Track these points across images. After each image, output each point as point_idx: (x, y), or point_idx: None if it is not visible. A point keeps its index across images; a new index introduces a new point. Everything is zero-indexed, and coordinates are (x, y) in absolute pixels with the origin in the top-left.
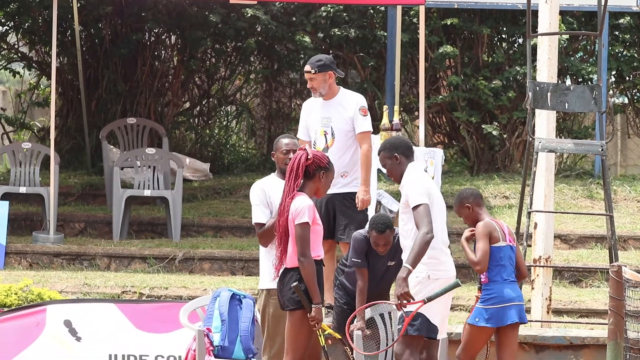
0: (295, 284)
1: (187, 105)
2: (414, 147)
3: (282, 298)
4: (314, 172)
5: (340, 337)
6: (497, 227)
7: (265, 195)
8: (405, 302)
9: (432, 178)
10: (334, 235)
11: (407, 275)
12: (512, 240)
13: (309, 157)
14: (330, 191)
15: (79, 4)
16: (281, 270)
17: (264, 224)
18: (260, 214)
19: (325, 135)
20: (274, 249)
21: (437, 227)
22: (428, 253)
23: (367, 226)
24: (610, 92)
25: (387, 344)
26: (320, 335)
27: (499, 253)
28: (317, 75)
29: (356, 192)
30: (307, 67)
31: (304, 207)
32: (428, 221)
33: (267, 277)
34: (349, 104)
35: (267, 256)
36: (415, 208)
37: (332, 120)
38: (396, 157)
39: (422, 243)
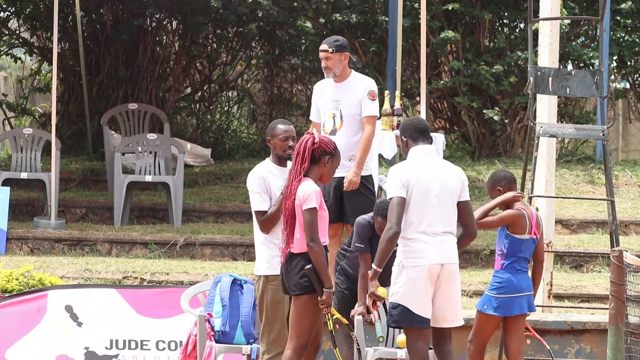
0: (309, 266)
1: (189, 90)
2: (425, 129)
3: (289, 282)
4: (319, 156)
5: (347, 322)
6: (526, 218)
7: (265, 182)
8: (371, 303)
9: None
10: (342, 218)
11: (374, 275)
12: (536, 232)
13: (315, 141)
14: (338, 174)
15: None
16: (287, 255)
17: (266, 212)
18: (262, 202)
19: (333, 117)
20: (272, 235)
21: (417, 217)
22: (403, 242)
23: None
24: (612, 77)
25: (388, 330)
26: (329, 320)
27: (521, 245)
28: (334, 54)
29: (363, 176)
30: (324, 47)
31: (311, 193)
32: (394, 215)
33: (264, 264)
34: (359, 87)
35: (264, 242)
36: (390, 199)
37: (342, 103)
38: (403, 139)
39: (384, 240)
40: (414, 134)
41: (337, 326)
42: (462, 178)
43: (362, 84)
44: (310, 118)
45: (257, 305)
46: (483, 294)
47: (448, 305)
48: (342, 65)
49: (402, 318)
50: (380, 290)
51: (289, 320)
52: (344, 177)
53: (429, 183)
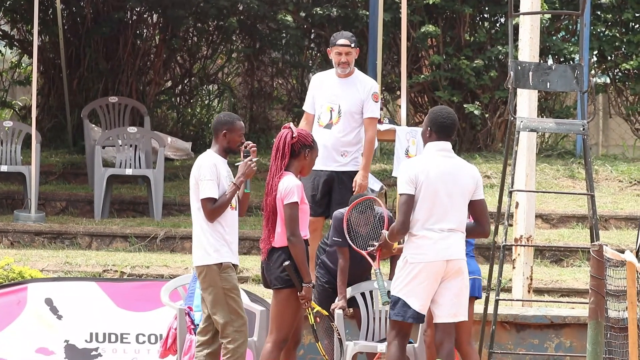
0: (287, 263)
1: (169, 84)
2: (451, 126)
3: (270, 277)
4: (299, 150)
5: (327, 314)
6: None
7: (217, 170)
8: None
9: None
10: (329, 213)
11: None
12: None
13: (293, 135)
14: (328, 168)
15: None
16: (268, 250)
17: (216, 199)
18: (214, 189)
19: (331, 111)
20: (217, 224)
21: (424, 214)
22: (408, 237)
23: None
24: (592, 71)
25: (368, 323)
26: (310, 314)
27: None
28: (353, 50)
29: (354, 171)
30: (345, 41)
31: (293, 187)
32: (401, 215)
33: (213, 253)
34: (363, 87)
35: (210, 232)
36: (399, 196)
37: (342, 98)
38: (427, 128)
39: (391, 230)
40: (438, 127)
41: (318, 319)
42: (475, 177)
43: (366, 84)
44: (304, 108)
45: (209, 296)
46: None
47: (454, 301)
48: (353, 61)
49: (399, 312)
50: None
51: (270, 313)
52: (333, 172)
53: (439, 180)
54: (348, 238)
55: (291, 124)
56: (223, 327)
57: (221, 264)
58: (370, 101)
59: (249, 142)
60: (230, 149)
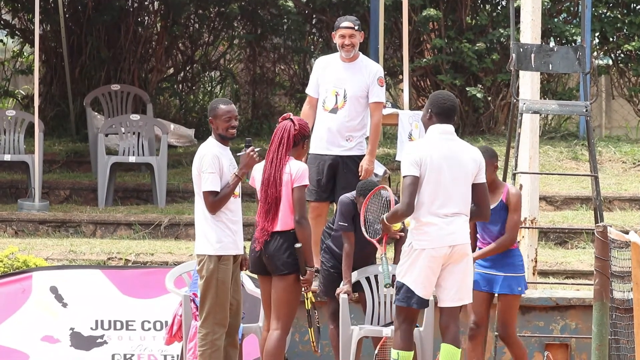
0: (299, 245)
1: (171, 71)
2: (452, 109)
3: (275, 262)
4: (298, 141)
5: (314, 300)
6: None
7: (219, 162)
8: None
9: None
10: (333, 197)
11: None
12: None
13: (295, 127)
14: (333, 153)
15: None
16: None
17: (218, 192)
18: (216, 182)
19: (336, 95)
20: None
21: (429, 197)
22: (413, 223)
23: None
24: (594, 53)
25: (373, 308)
26: (307, 299)
27: None
28: (357, 33)
29: (358, 156)
30: (349, 24)
31: (304, 170)
32: (406, 196)
33: (215, 244)
34: (369, 71)
35: (214, 222)
36: (403, 178)
37: (347, 83)
38: (428, 111)
39: (394, 214)
40: (438, 110)
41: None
42: (478, 159)
43: (371, 68)
44: (307, 91)
45: (203, 284)
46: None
47: (458, 285)
48: (358, 44)
49: (403, 297)
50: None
51: (275, 300)
52: (338, 156)
53: (443, 163)
54: (364, 230)
55: (291, 114)
56: (206, 316)
57: (221, 256)
58: (375, 85)
59: (249, 138)
60: (222, 135)
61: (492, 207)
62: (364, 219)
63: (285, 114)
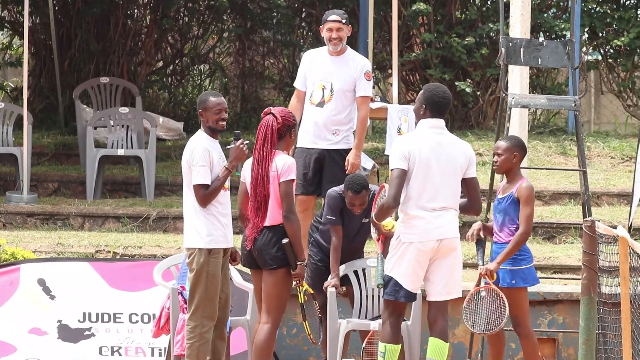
0: (286, 241)
1: (160, 64)
2: (445, 104)
3: (264, 256)
4: (284, 132)
5: (312, 292)
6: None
7: (210, 155)
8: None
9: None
10: (320, 191)
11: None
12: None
13: (278, 120)
14: (319, 146)
15: None
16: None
17: (209, 185)
18: (207, 175)
19: (323, 89)
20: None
21: (417, 191)
22: (402, 216)
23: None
24: (584, 48)
25: (361, 301)
26: (300, 293)
27: None
28: (345, 26)
29: (345, 149)
30: (336, 17)
31: (291, 164)
32: (393, 188)
33: (206, 237)
34: (356, 65)
35: (205, 215)
36: (391, 171)
37: (334, 76)
38: (421, 105)
39: (381, 208)
40: (432, 105)
41: (307, 298)
42: (468, 154)
43: (359, 62)
44: (295, 85)
45: (193, 277)
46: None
47: (446, 279)
48: (345, 38)
49: (391, 291)
50: (387, 222)
51: (264, 294)
52: (324, 150)
53: (431, 157)
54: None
55: (272, 109)
56: (195, 309)
57: (211, 249)
58: (362, 79)
59: (238, 131)
60: (212, 127)
61: (502, 196)
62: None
63: (266, 109)
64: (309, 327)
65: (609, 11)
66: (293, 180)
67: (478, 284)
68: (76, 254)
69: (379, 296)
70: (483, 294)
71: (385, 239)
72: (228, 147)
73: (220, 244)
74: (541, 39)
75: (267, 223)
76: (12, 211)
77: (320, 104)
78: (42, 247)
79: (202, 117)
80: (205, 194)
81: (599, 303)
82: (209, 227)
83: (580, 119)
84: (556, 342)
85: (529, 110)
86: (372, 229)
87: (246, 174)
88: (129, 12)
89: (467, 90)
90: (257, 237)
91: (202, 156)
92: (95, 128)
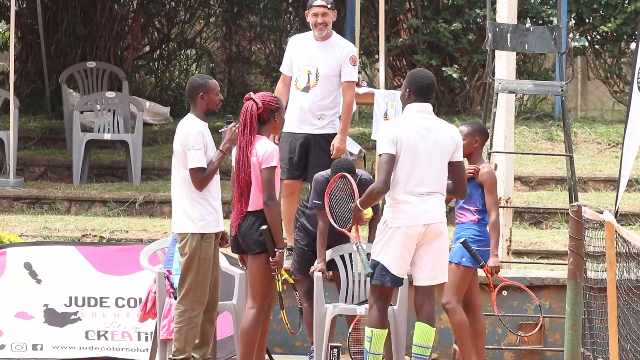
0: (264, 227)
1: (147, 49)
2: (429, 87)
3: (247, 241)
4: (268, 117)
5: (293, 281)
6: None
7: (204, 138)
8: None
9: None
10: (306, 175)
11: (357, 208)
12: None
13: (258, 105)
14: (305, 131)
15: None
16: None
17: (204, 169)
18: (203, 158)
19: (308, 74)
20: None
21: (405, 175)
22: (389, 201)
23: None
24: (571, 35)
25: (347, 286)
26: (279, 281)
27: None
28: (330, 11)
29: (330, 134)
30: (322, 2)
31: (272, 151)
32: (382, 173)
33: (198, 221)
34: (341, 50)
35: (197, 200)
36: (379, 156)
37: (320, 61)
38: (405, 90)
39: (369, 193)
40: (416, 88)
41: (285, 287)
42: (455, 138)
43: (344, 47)
44: (281, 70)
45: (184, 262)
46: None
47: (433, 264)
48: (331, 23)
49: (378, 276)
50: (367, 210)
51: (249, 279)
52: (310, 134)
53: (419, 141)
54: (333, 222)
55: (252, 94)
56: (185, 293)
57: (204, 234)
58: (348, 64)
59: (230, 115)
60: (210, 110)
61: None
62: (329, 211)
63: (246, 95)
64: (286, 317)
65: None
66: (275, 167)
67: (492, 284)
68: (62, 238)
69: (365, 281)
70: (505, 293)
71: (358, 226)
72: (220, 130)
73: (212, 229)
74: (528, 24)
75: (250, 208)
76: None
77: (306, 89)
78: (28, 231)
79: (202, 100)
80: (203, 177)
81: (585, 288)
82: (201, 211)
83: (567, 105)
84: (543, 328)
85: (515, 95)
86: (331, 220)
87: (233, 161)
88: None
89: (454, 75)
90: (241, 222)
91: (197, 139)
92: (81, 112)
